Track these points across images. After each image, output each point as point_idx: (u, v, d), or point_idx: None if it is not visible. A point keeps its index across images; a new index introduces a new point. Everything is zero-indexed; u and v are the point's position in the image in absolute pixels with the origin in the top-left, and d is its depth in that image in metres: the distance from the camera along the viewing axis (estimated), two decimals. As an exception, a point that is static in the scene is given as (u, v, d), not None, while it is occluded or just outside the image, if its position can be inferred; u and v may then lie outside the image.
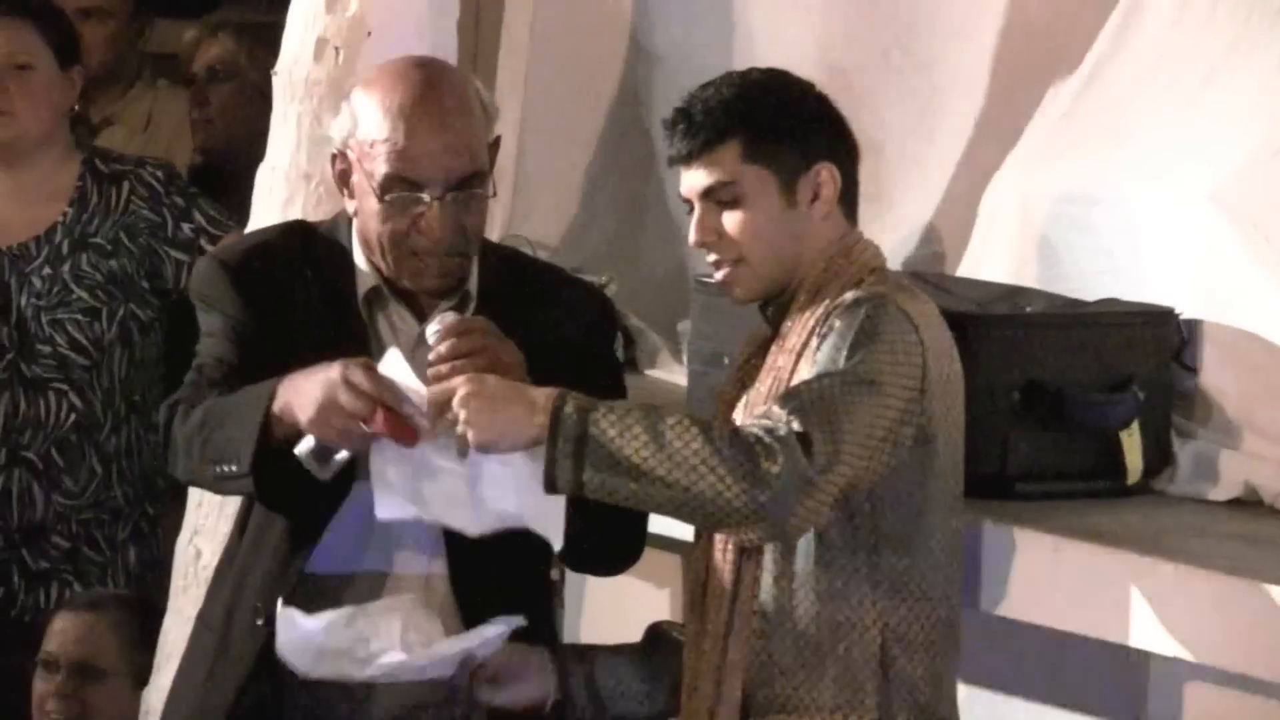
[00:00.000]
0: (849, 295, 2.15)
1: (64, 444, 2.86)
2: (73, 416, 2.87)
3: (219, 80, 3.60)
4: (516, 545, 2.12)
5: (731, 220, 2.18)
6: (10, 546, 2.91)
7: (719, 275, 2.25)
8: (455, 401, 2.04)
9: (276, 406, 2.08)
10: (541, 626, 2.32)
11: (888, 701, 2.22)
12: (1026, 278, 2.81)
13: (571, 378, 2.22)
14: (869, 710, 2.22)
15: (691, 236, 2.24)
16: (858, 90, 3.00)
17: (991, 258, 2.87)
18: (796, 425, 2.07)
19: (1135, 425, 2.55)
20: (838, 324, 2.13)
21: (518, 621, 2.23)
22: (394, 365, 2.18)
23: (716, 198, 2.20)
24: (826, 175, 2.15)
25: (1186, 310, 2.63)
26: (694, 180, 2.20)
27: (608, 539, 2.25)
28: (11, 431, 2.85)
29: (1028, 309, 2.61)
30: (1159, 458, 2.60)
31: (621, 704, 2.36)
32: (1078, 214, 2.82)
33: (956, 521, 2.29)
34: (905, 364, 2.16)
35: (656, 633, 2.42)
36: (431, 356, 2.16)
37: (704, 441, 2.06)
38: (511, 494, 2.17)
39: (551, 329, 2.34)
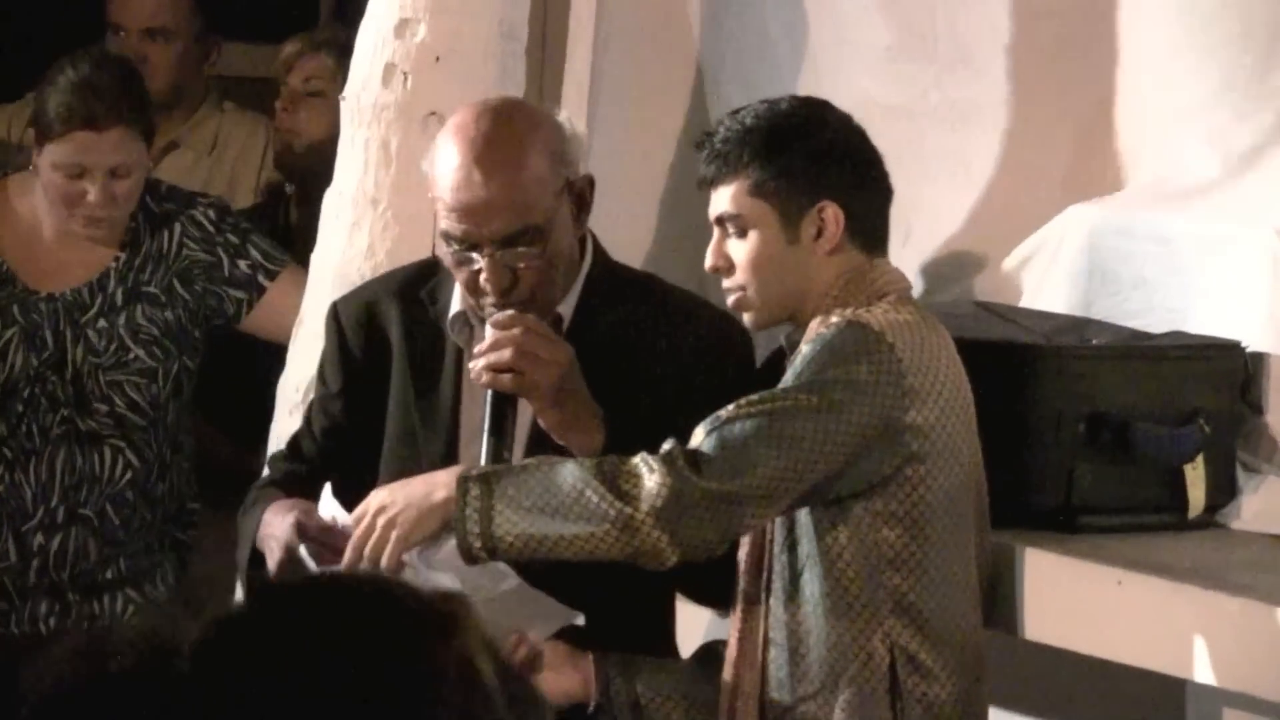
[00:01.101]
0: (833, 319, 2.21)
1: (119, 500, 2.90)
2: (129, 474, 2.90)
3: (313, 95, 3.68)
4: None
5: (738, 250, 2.26)
6: (59, 589, 3.01)
7: (729, 301, 2.33)
8: (364, 522, 2.23)
9: (258, 544, 2.36)
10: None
11: None
12: (1090, 310, 2.86)
13: (693, 411, 2.28)
14: None
15: (706, 261, 2.32)
16: (905, 128, 3.12)
17: (1054, 289, 2.93)
18: (705, 444, 2.15)
19: (1200, 459, 2.57)
20: (805, 349, 2.18)
21: (572, 616, 2.29)
22: (329, 504, 2.41)
23: (726, 227, 2.27)
24: (830, 214, 2.20)
25: (1252, 345, 2.65)
26: (712, 206, 2.28)
27: (716, 574, 2.34)
28: (69, 489, 2.88)
29: (1094, 341, 2.65)
30: (1223, 492, 2.63)
31: (660, 717, 2.39)
32: (1142, 248, 2.86)
33: (972, 542, 2.33)
34: (869, 382, 2.19)
35: (709, 652, 2.45)
36: (475, 350, 2.26)
37: (590, 476, 2.14)
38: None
39: (674, 359, 2.40)
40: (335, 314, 2.48)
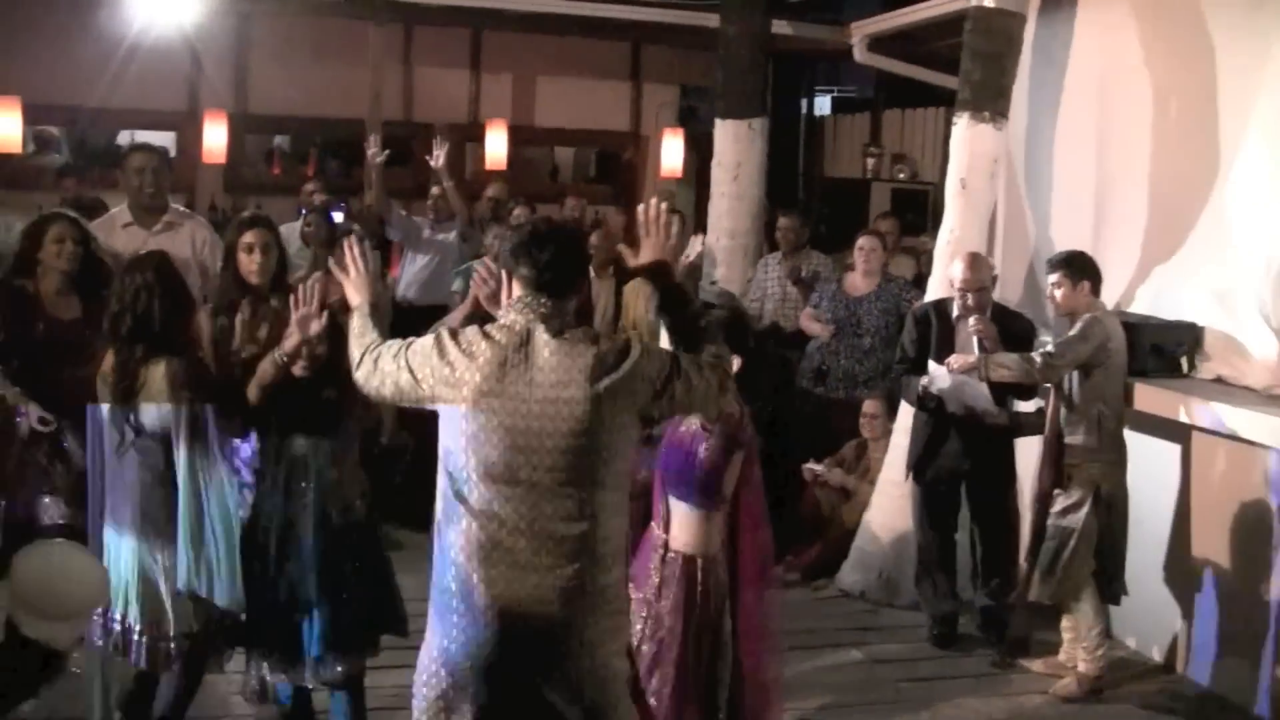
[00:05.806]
0: (1086, 315, 5.30)
1: None
2: None
3: None
4: None
5: (1059, 294, 5.37)
6: None
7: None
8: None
9: None
10: None
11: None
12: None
13: None
14: None
15: (1053, 307, 5.57)
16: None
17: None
18: (1049, 354, 5.20)
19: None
20: (1080, 323, 5.28)
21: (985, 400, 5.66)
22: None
23: (1054, 285, 5.33)
24: (1087, 285, 5.33)
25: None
26: (1051, 281, 5.39)
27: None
28: None
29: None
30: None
31: None
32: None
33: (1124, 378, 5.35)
34: (1098, 333, 5.23)
35: None
36: None
37: None
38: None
39: None
40: None
